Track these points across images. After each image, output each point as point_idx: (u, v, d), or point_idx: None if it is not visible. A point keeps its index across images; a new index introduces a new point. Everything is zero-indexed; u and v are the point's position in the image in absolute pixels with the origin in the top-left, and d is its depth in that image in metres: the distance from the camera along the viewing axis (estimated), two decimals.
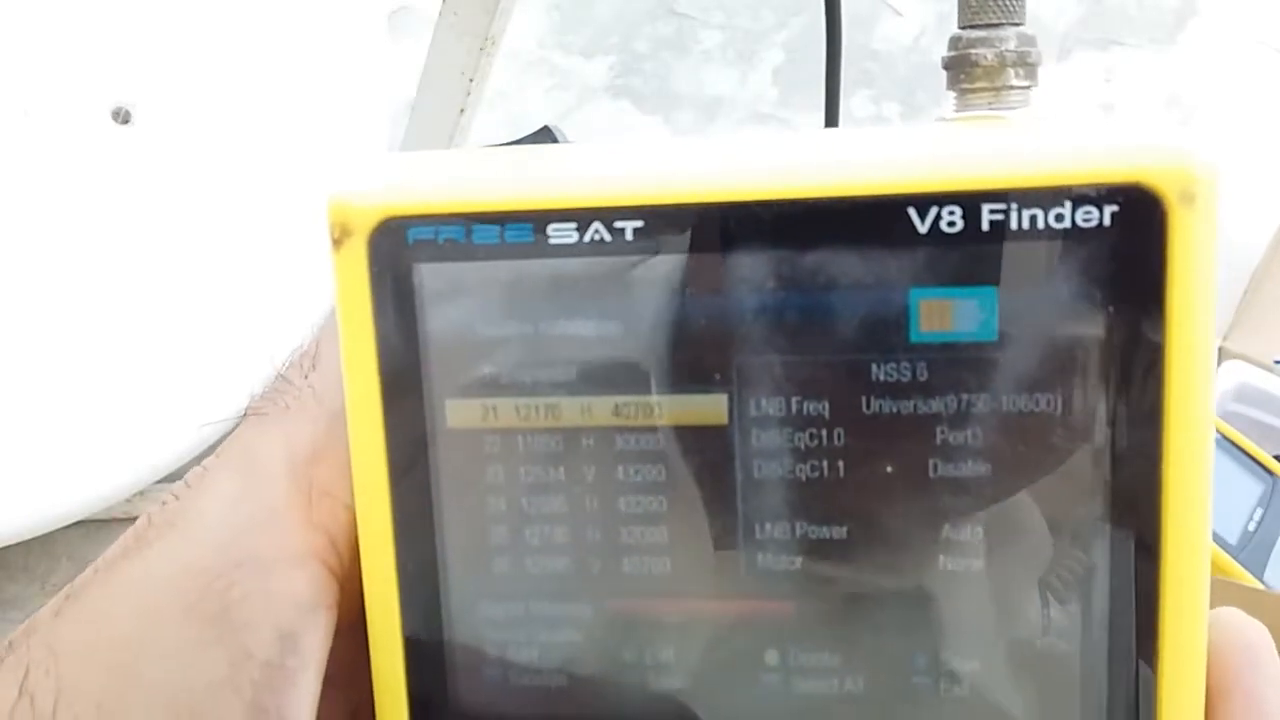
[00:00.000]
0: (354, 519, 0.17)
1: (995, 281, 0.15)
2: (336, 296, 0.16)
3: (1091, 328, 0.15)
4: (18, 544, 0.73)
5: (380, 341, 0.16)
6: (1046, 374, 0.15)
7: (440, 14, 0.56)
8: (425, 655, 0.17)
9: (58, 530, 0.74)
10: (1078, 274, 0.15)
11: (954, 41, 0.21)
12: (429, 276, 0.16)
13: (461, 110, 0.69)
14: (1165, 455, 0.15)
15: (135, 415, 0.72)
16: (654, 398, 0.16)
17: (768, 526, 0.16)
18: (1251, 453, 0.73)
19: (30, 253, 0.71)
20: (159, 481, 0.78)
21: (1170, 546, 0.15)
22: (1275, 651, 0.16)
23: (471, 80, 0.68)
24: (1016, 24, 0.21)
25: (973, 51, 0.21)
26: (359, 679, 0.18)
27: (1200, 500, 0.15)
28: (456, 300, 0.16)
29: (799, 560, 0.16)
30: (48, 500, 0.71)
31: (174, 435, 0.74)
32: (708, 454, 0.16)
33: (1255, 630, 0.16)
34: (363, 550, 0.17)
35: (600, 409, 0.16)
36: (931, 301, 0.15)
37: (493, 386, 0.16)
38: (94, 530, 0.89)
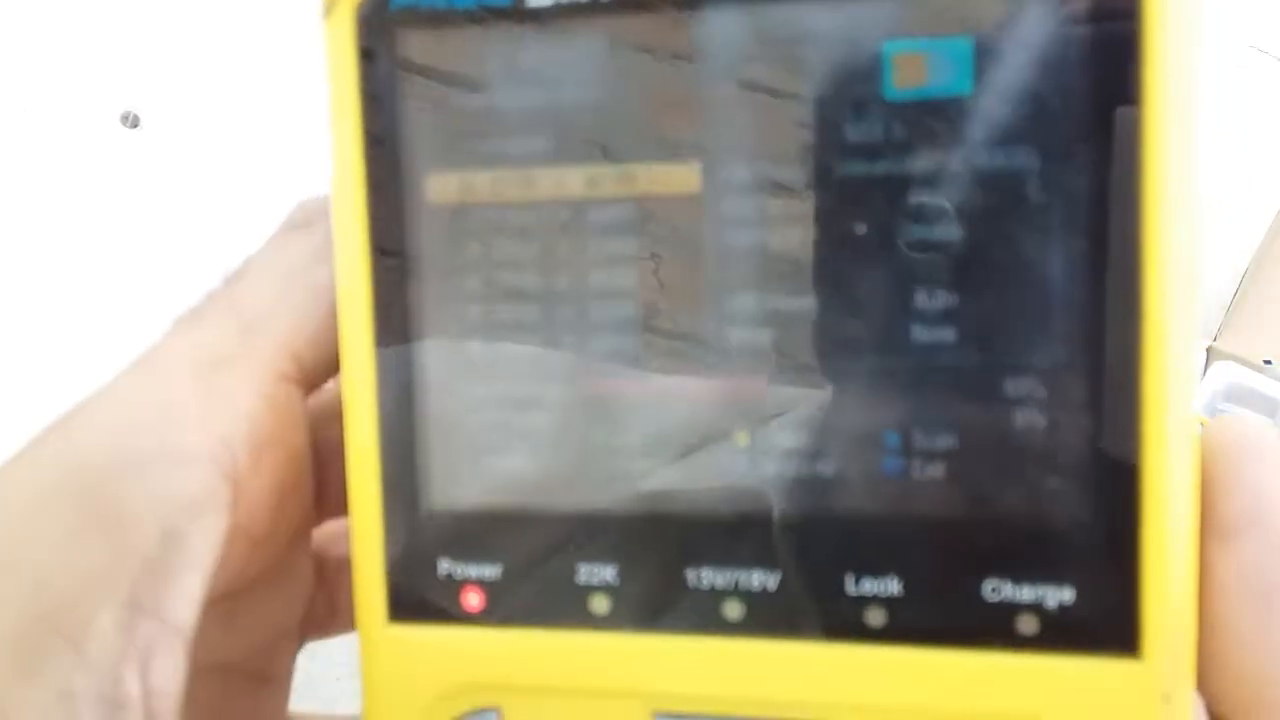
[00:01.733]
0: (253, 429, 0.16)
1: (970, 31, 0.14)
2: (326, 70, 0.16)
3: (1068, 78, 0.14)
4: None
5: (364, 113, 0.16)
6: (1023, 129, 0.14)
7: None
8: (399, 441, 0.17)
9: None
10: (1054, 20, 0.14)
11: None
12: (410, 43, 0.16)
13: None
14: (1144, 215, 0.14)
15: None
16: (626, 166, 0.16)
17: (739, 298, 0.16)
18: None
19: (37, 254, 0.72)
20: None
21: (1151, 306, 0.14)
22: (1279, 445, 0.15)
23: None
24: None
25: None
26: (261, 595, 0.18)
27: (1181, 262, 0.14)
28: (436, 69, 0.16)
29: (770, 334, 0.16)
30: None
31: None
32: (679, 224, 0.16)
33: (1256, 427, 0.15)
34: (340, 331, 0.17)
35: (573, 179, 0.16)
36: (905, 54, 0.15)
37: (470, 158, 0.16)
38: None
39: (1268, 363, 0.88)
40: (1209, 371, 0.86)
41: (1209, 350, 0.88)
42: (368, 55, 0.16)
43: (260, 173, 0.77)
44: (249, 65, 0.81)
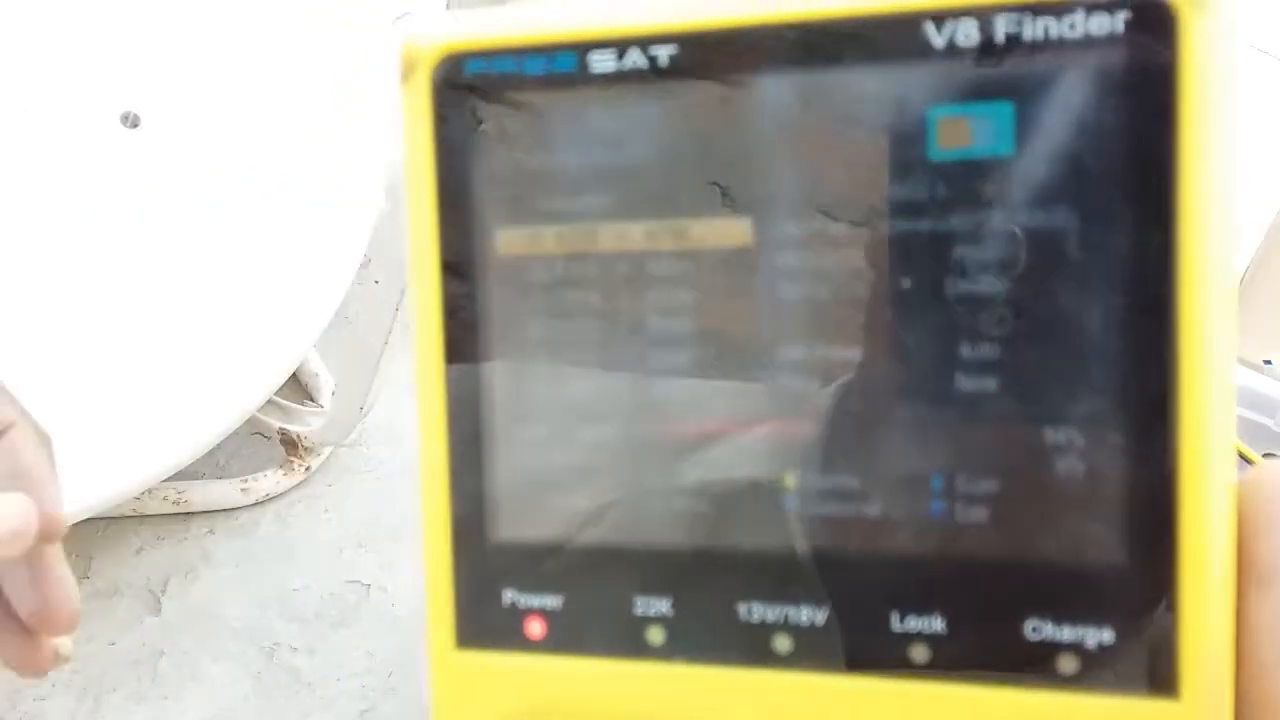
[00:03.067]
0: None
1: (1012, 95, 0.15)
2: (403, 129, 0.17)
3: (1106, 139, 0.15)
4: None
5: (439, 171, 0.17)
6: (1063, 188, 0.15)
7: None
8: (468, 478, 0.18)
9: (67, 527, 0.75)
10: (1093, 84, 0.15)
11: None
12: (482, 106, 0.17)
13: None
14: (1180, 266, 0.14)
15: (142, 414, 0.73)
16: (683, 221, 0.17)
17: (789, 347, 0.16)
18: (1242, 452, 0.74)
19: (39, 254, 0.72)
20: (166, 480, 0.79)
21: (1188, 359, 0.15)
22: None
23: None
24: None
25: None
26: None
27: (1219, 310, 0.15)
28: (507, 130, 0.17)
29: (818, 381, 0.16)
30: None
31: (180, 434, 0.75)
32: (733, 276, 0.16)
33: None
34: (416, 375, 0.18)
35: (634, 233, 0.17)
36: (949, 119, 0.15)
37: (537, 214, 0.17)
38: (103, 527, 0.90)
39: (1268, 363, 0.88)
40: None
41: None
42: (442, 118, 0.17)
43: (260, 173, 0.77)
44: (249, 65, 0.82)
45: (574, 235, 0.17)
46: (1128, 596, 0.15)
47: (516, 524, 0.18)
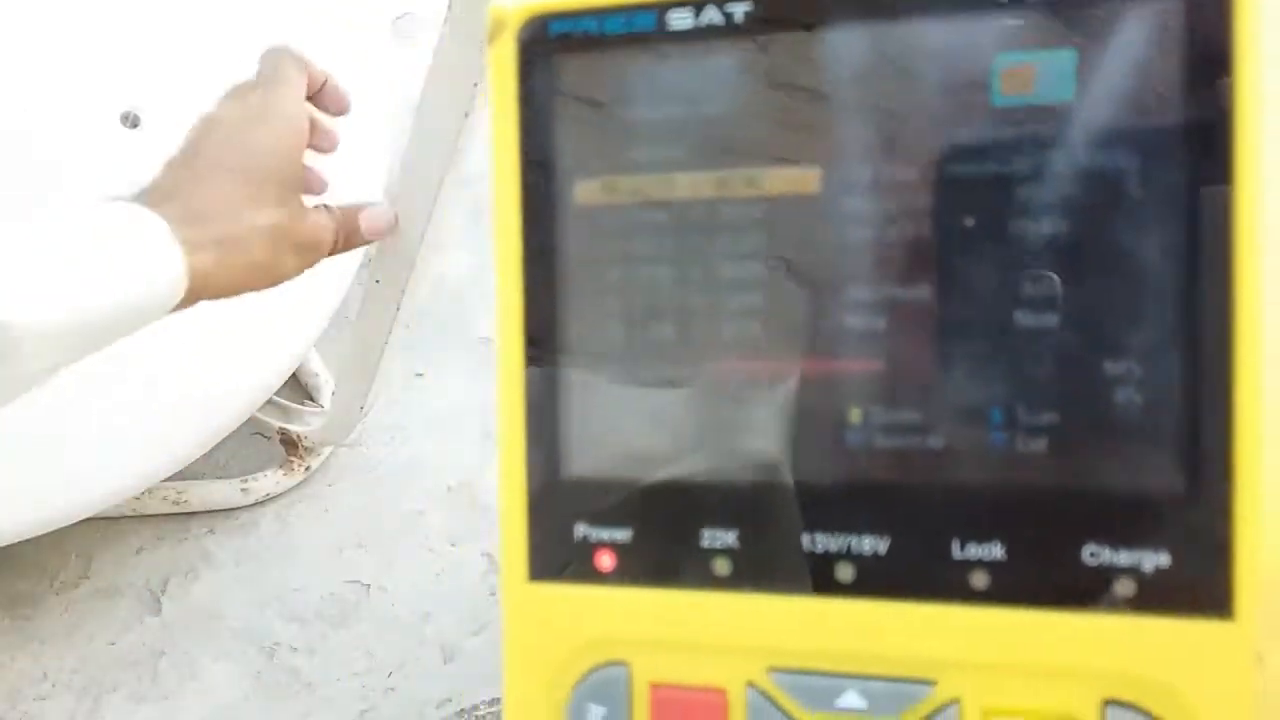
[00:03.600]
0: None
1: (1073, 44, 0.16)
2: (490, 88, 0.19)
3: (1164, 84, 0.15)
4: (28, 541, 0.74)
5: (523, 125, 0.18)
6: (1121, 131, 0.16)
7: (445, 19, 0.57)
8: (543, 417, 0.18)
9: (67, 527, 0.75)
10: (1151, 30, 0.15)
11: None
12: (565, 63, 0.18)
13: (466, 114, 0.70)
14: (1235, 204, 0.15)
15: (142, 414, 0.73)
16: (753, 170, 0.17)
17: (855, 288, 0.17)
18: None
19: None
20: (166, 479, 0.79)
21: (1243, 303, 0.15)
22: None
23: (476, 85, 0.69)
24: None
25: None
26: None
27: (1272, 241, 0.15)
28: (588, 86, 0.18)
29: (884, 319, 0.17)
30: (57, 498, 0.72)
31: (180, 434, 0.75)
32: (801, 221, 0.17)
33: None
34: (497, 318, 0.19)
35: (706, 182, 0.18)
36: (1012, 66, 0.16)
37: (616, 165, 0.18)
38: (103, 527, 0.90)
39: None
40: None
41: None
42: (527, 75, 0.18)
43: None
44: (249, 65, 0.81)
45: (651, 185, 0.18)
46: (1183, 521, 0.16)
47: (588, 461, 0.18)
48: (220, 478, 0.94)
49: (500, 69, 0.18)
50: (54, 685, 0.85)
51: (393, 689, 0.87)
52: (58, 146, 0.74)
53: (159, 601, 0.89)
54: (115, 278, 0.40)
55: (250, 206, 0.45)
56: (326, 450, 0.96)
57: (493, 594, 0.91)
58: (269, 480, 0.94)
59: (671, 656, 0.18)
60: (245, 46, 0.83)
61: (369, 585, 0.91)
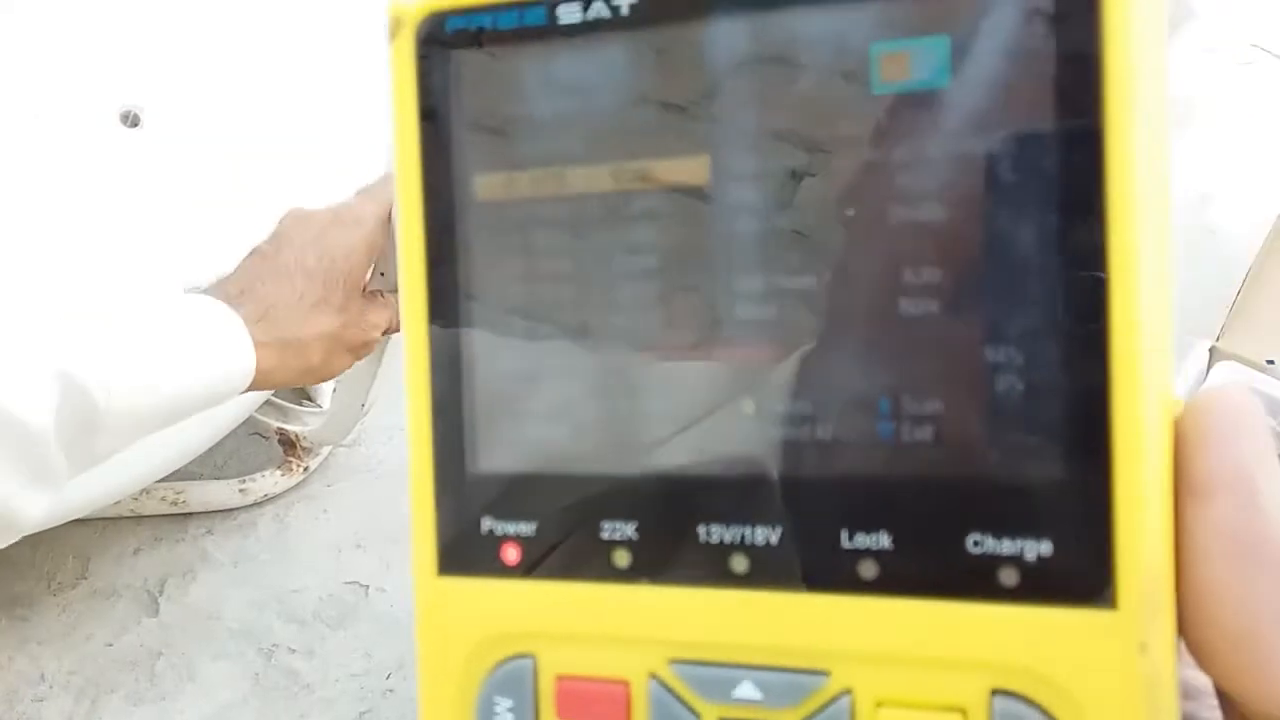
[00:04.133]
0: None
1: (946, 30, 0.16)
2: (390, 85, 0.19)
3: (1035, 67, 0.15)
4: (25, 541, 0.74)
5: (422, 121, 0.19)
6: (996, 116, 0.16)
7: None
8: (449, 412, 0.19)
9: (64, 527, 0.75)
10: (1022, 15, 0.16)
11: None
12: (464, 59, 0.18)
13: None
14: (1108, 184, 0.15)
15: None
16: (645, 162, 0.18)
17: (744, 278, 0.17)
18: None
19: (39, 252, 0.72)
20: (164, 480, 0.79)
21: (1118, 288, 0.15)
22: (1259, 407, 0.15)
23: None
24: None
25: None
26: None
27: (1147, 225, 0.15)
28: (485, 82, 0.18)
29: (773, 310, 0.17)
30: (55, 498, 0.72)
31: (178, 434, 0.75)
32: (693, 211, 0.17)
33: (1228, 390, 0.15)
34: (402, 314, 0.19)
35: (601, 175, 0.18)
36: (889, 53, 0.16)
37: (513, 160, 0.18)
38: (100, 527, 0.90)
39: (1270, 362, 0.88)
40: (1212, 372, 0.86)
41: (1212, 350, 0.88)
42: (425, 72, 0.18)
43: (260, 172, 0.77)
44: (249, 65, 0.81)
45: (546, 179, 0.18)
46: (1065, 509, 0.15)
47: (493, 455, 0.18)
48: (218, 478, 0.94)
49: (400, 66, 0.19)
50: (51, 686, 0.85)
51: (391, 690, 0.87)
52: (57, 146, 0.74)
53: (157, 602, 0.89)
54: (197, 370, 0.46)
55: (316, 312, 0.52)
56: (325, 450, 0.96)
57: None
58: (267, 481, 0.94)
59: (576, 649, 0.18)
60: (246, 45, 0.83)
61: (368, 586, 0.91)
